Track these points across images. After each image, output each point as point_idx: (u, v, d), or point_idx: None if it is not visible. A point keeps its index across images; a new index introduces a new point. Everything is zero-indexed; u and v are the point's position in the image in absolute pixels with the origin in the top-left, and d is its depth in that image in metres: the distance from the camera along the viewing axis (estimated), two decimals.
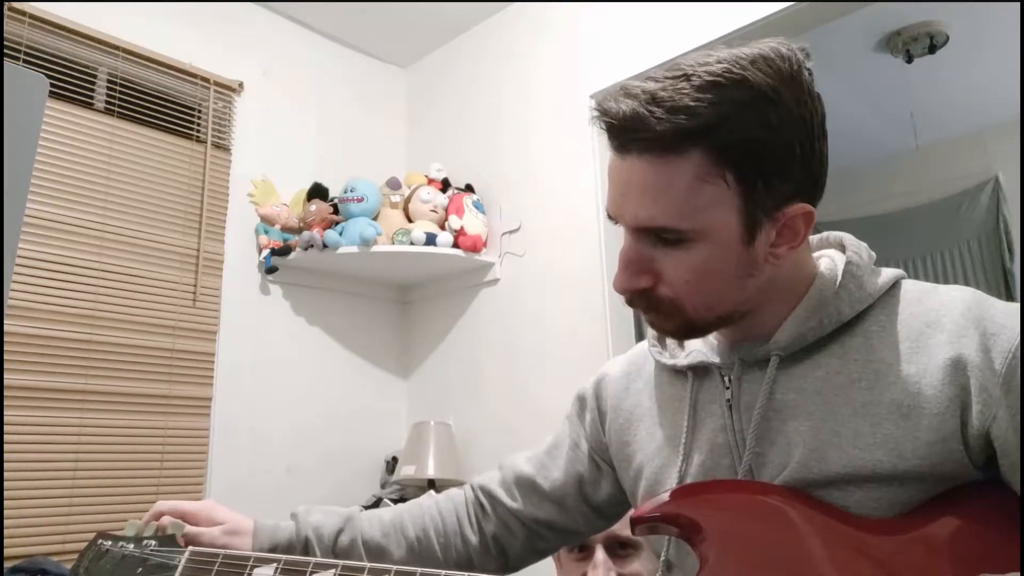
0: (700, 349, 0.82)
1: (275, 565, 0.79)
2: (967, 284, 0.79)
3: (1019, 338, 0.66)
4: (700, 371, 0.81)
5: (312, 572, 0.79)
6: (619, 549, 1.18)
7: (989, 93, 3.55)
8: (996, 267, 3.79)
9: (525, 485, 0.95)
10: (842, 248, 0.81)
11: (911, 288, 0.76)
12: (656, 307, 0.74)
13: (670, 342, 0.86)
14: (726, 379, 0.78)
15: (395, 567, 0.78)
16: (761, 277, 0.73)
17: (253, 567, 0.80)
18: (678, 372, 0.84)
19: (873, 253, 0.80)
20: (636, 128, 0.67)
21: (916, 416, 0.67)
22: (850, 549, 0.67)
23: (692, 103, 0.65)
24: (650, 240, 0.71)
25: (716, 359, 0.80)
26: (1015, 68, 3.13)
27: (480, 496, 0.97)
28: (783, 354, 0.75)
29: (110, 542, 0.84)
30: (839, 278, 0.76)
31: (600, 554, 1.16)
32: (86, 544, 0.85)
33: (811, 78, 0.70)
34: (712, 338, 0.83)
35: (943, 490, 0.68)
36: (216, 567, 0.80)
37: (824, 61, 0.77)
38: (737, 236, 0.69)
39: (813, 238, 0.83)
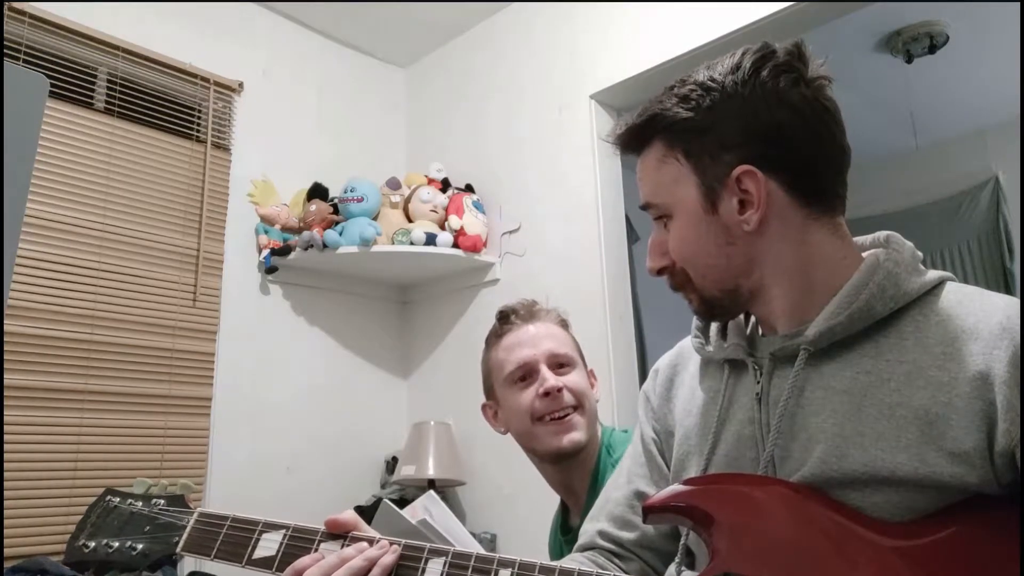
0: (738, 343, 0.84)
1: (284, 531, 0.80)
2: (967, 284, 0.78)
3: (1020, 338, 0.66)
4: (736, 365, 0.83)
5: (320, 542, 0.79)
6: (558, 368, 1.29)
7: (989, 93, 3.55)
8: (996, 267, 3.79)
9: (645, 499, 0.87)
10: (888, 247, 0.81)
11: (954, 291, 0.75)
12: (679, 284, 0.84)
13: (713, 335, 0.88)
14: (758, 373, 0.80)
15: (389, 538, 0.78)
16: (744, 247, 0.78)
17: (262, 532, 0.80)
18: (718, 365, 0.87)
19: (919, 253, 0.80)
20: (618, 138, 0.86)
21: (942, 425, 0.66)
22: (861, 550, 0.67)
23: (648, 107, 0.83)
24: (660, 224, 0.84)
25: (751, 353, 0.82)
26: (1015, 68, 3.13)
27: (606, 543, 0.93)
28: (812, 348, 0.75)
29: (118, 499, 0.84)
30: (876, 276, 0.75)
31: (546, 370, 1.27)
32: (95, 498, 0.85)
33: (777, 65, 0.77)
34: (750, 332, 0.86)
35: (962, 499, 0.67)
36: (225, 530, 0.80)
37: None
38: (700, 205, 0.79)
39: (867, 238, 0.84)
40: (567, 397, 1.25)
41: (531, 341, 1.29)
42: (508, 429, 1.34)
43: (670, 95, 0.81)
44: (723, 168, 0.77)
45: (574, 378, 1.28)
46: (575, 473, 1.28)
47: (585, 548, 0.95)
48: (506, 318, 1.35)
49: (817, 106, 0.77)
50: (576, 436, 1.24)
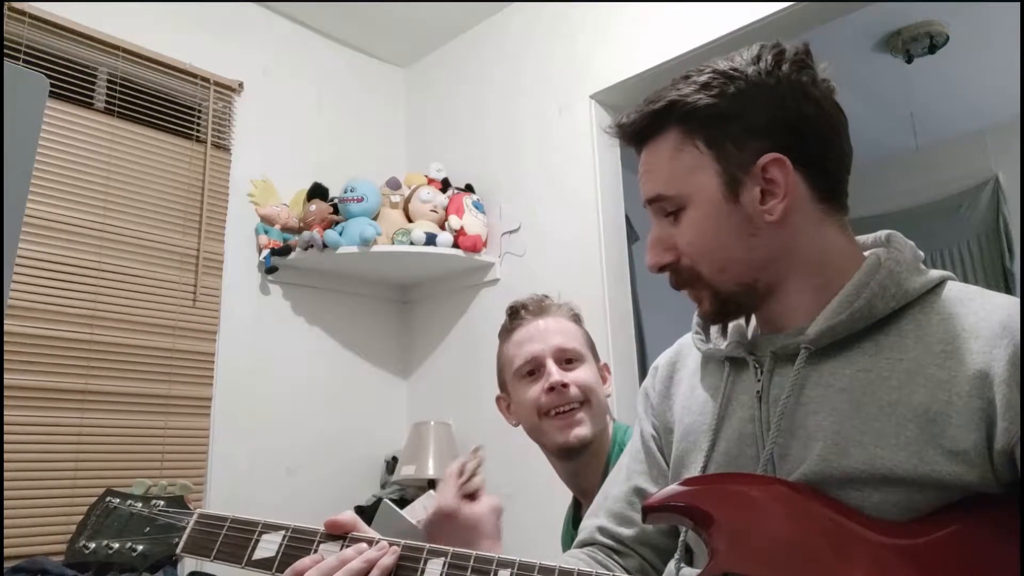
0: (739, 341, 0.83)
1: (283, 532, 0.80)
2: (967, 284, 0.79)
3: (1020, 337, 0.66)
4: (737, 363, 0.83)
5: (320, 543, 0.79)
6: (565, 364, 1.28)
7: (989, 93, 3.55)
8: (996, 267, 3.79)
9: (644, 495, 0.90)
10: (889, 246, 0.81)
11: (955, 289, 0.75)
12: (685, 281, 0.81)
13: (714, 332, 0.88)
14: (759, 371, 0.80)
15: (389, 538, 0.78)
16: (766, 239, 0.77)
17: (261, 532, 0.80)
18: (718, 363, 0.86)
19: (921, 253, 0.80)
20: (625, 126, 0.83)
21: (942, 423, 0.66)
22: (860, 550, 0.66)
23: (664, 94, 0.80)
24: (666, 220, 0.81)
25: (752, 352, 0.82)
26: (1015, 68, 3.13)
27: (606, 540, 0.93)
28: (812, 347, 0.75)
29: (118, 500, 0.84)
30: (877, 275, 0.75)
31: (552, 365, 1.27)
32: (95, 499, 0.85)
33: (795, 62, 0.78)
34: (751, 331, 0.85)
35: (961, 498, 0.67)
36: (224, 531, 0.80)
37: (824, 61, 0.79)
38: (721, 194, 0.77)
39: (868, 237, 0.84)
40: (573, 392, 1.25)
41: (540, 336, 1.30)
42: (519, 422, 1.35)
43: (687, 83, 0.79)
44: (748, 156, 0.76)
45: (582, 373, 1.28)
46: (586, 468, 1.28)
47: (584, 544, 0.95)
48: (516, 313, 1.36)
49: (832, 104, 0.79)
50: (581, 431, 1.25)
